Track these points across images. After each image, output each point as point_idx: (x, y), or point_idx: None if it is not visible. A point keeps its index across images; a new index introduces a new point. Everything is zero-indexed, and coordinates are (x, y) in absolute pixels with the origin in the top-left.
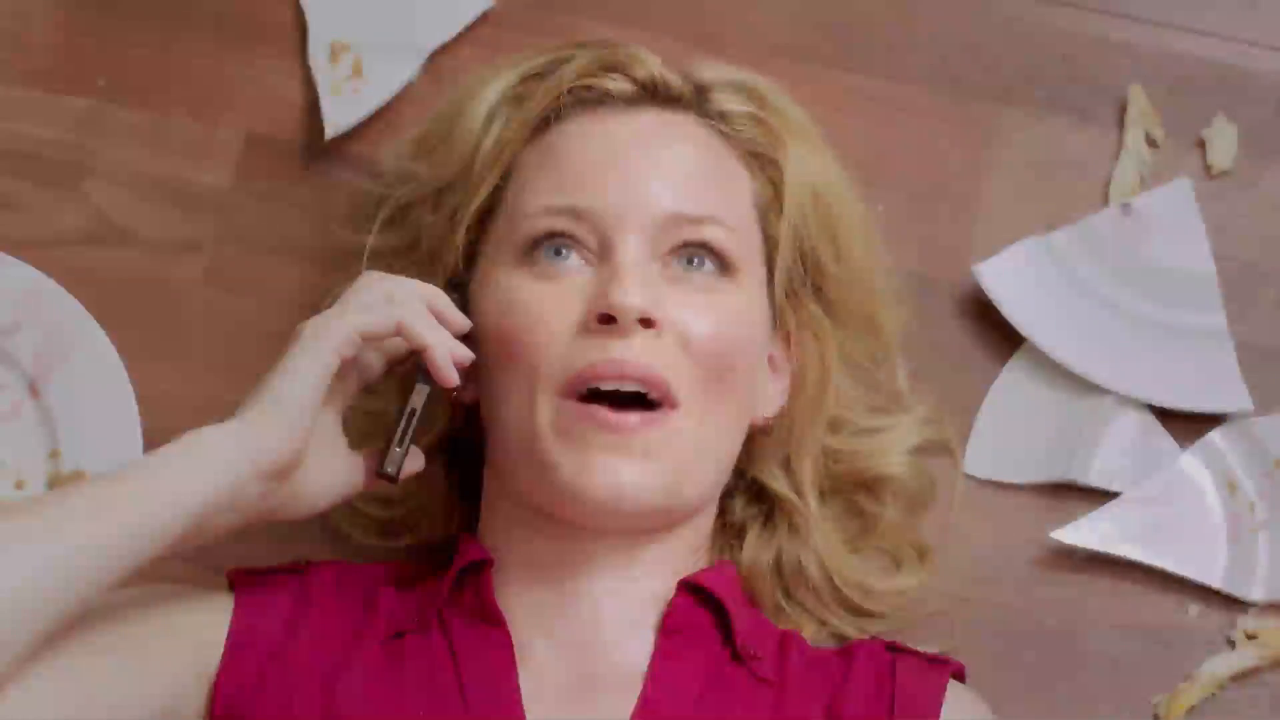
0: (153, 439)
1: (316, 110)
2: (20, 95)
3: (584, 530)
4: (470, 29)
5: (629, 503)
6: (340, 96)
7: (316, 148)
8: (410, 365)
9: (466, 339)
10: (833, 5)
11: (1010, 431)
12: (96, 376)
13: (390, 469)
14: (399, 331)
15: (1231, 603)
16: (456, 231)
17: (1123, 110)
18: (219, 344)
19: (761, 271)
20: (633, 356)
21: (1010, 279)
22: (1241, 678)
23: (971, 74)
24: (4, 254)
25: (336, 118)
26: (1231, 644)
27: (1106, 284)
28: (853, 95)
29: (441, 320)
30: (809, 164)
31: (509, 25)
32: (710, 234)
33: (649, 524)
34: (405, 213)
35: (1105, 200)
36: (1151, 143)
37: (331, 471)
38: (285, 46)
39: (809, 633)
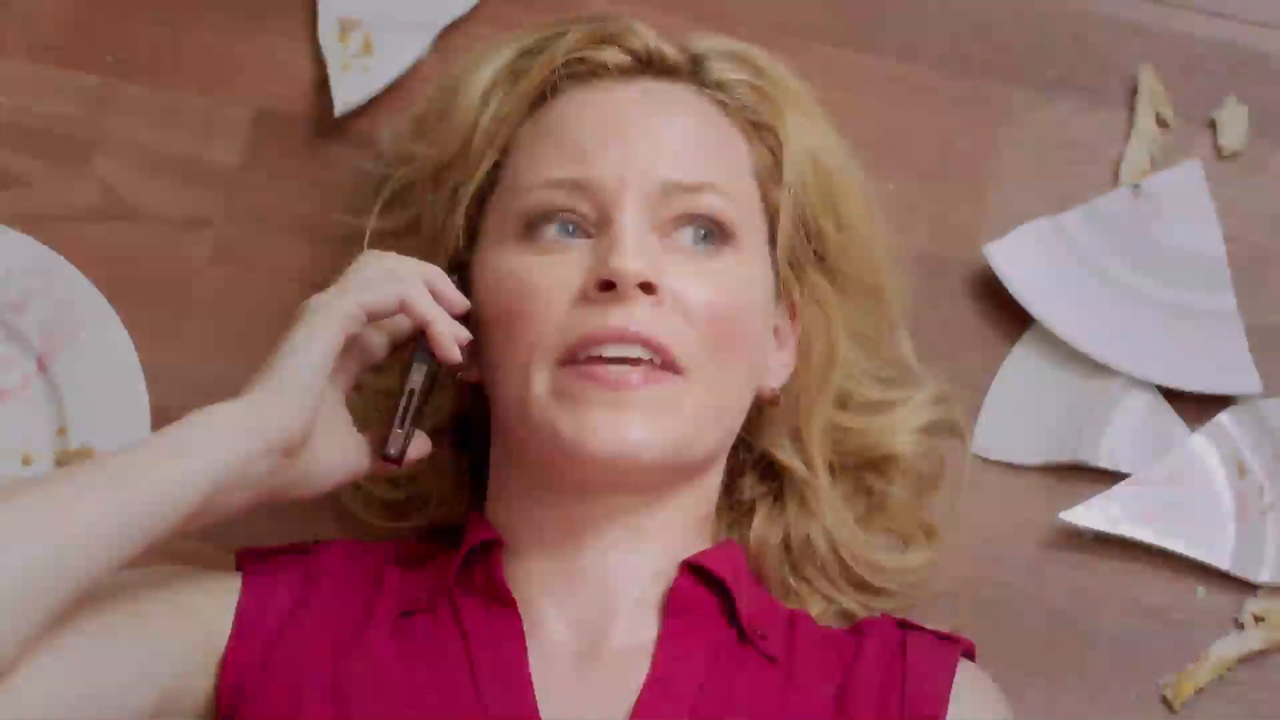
0: (160, 415)
1: (326, 87)
2: (30, 71)
3: (592, 498)
4: (480, 5)
5: (632, 458)
6: (350, 73)
7: (326, 125)
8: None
9: (467, 320)
10: None
11: (1019, 412)
12: (104, 353)
13: (393, 450)
14: (402, 308)
15: (1239, 584)
16: (456, 211)
17: (1133, 91)
18: (227, 321)
19: (763, 240)
20: (634, 323)
21: (1020, 259)
22: (1249, 659)
23: (982, 54)
24: (13, 230)
25: (346, 95)
26: (1240, 626)
27: (1116, 265)
28: (863, 75)
29: (439, 299)
30: (808, 131)
31: (519, 1)
32: (708, 201)
33: (655, 481)
34: (406, 193)
35: (1116, 181)
36: (1162, 124)
37: (338, 451)
38: (295, 23)
39: (816, 611)
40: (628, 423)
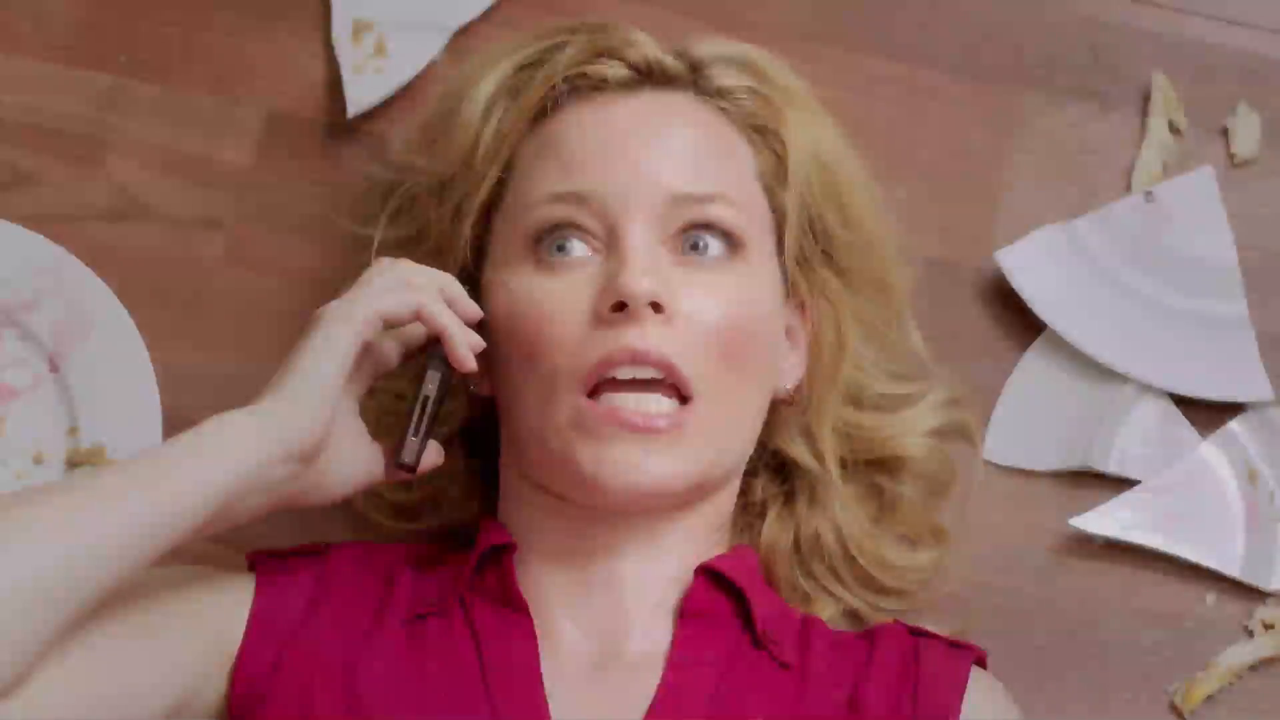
0: (172, 415)
1: (339, 89)
2: (42, 70)
3: (605, 514)
4: (493, 8)
5: (652, 495)
6: (363, 75)
7: (338, 126)
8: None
9: (478, 329)
10: None
11: (1030, 418)
12: (116, 352)
13: (408, 459)
14: (418, 315)
15: (1249, 592)
16: (462, 225)
17: (1146, 98)
18: (239, 321)
19: (771, 244)
20: (647, 345)
21: (1032, 266)
22: (1259, 667)
23: (995, 60)
24: (25, 229)
25: (359, 96)
26: (1249, 633)
27: (1128, 271)
28: (876, 80)
29: (453, 307)
30: (810, 132)
31: (531, 4)
32: (716, 212)
33: (673, 505)
34: (411, 204)
35: (1128, 188)
36: (1175, 131)
37: (353, 459)
38: (308, 24)
39: (826, 613)
40: (649, 462)
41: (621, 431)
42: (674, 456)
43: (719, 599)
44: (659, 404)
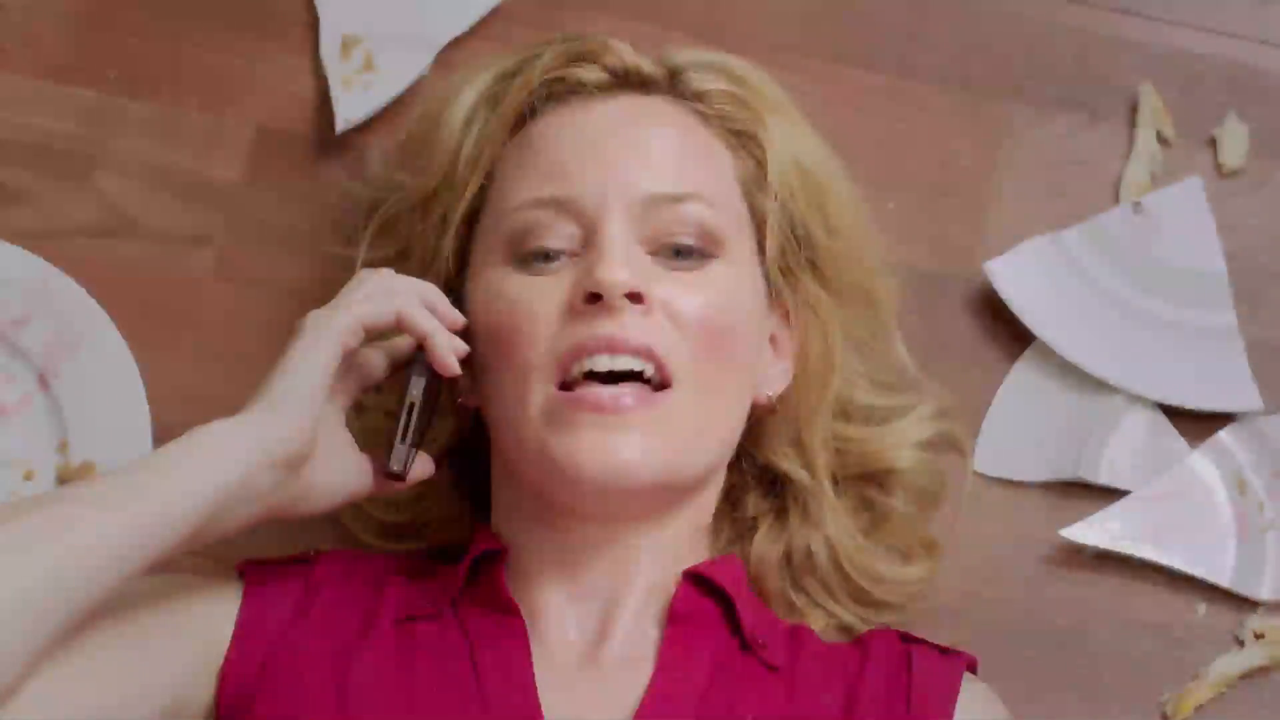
0: (162, 431)
1: (328, 103)
2: (31, 87)
3: (589, 518)
4: (482, 23)
5: (626, 480)
6: (351, 90)
7: (327, 141)
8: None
9: (462, 338)
10: (845, 2)
11: (1020, 429)
12: (106, 368)
13: (396, 467)
14: (399, 322)
15: (1240, 602)
16: (446, 237)
17: (1134, 109)
18: (229, 336)
19: (751, 248)
20: (623, 333)
21: (1021, 277)
22: (1250, 676)
23: (983, 72)
24: (14, 246)
25: (348, 111)
26: (1240, 643)
27: (1117, 282)
28: (864, 93)
29: (435, 314)
30: (790, 137)
31: (520, 20)
32: (693, 211)
33: (649, 504)
34: (394, 223)
35: (1116, 199)
36: (1163, 141)
37: (340, 469)
38: (297, 39)
39: (817, 626)
40: (621, 444)
41: (590, 416)
42: (646, 441)
43: (705, 604)
44: (630, 392)
